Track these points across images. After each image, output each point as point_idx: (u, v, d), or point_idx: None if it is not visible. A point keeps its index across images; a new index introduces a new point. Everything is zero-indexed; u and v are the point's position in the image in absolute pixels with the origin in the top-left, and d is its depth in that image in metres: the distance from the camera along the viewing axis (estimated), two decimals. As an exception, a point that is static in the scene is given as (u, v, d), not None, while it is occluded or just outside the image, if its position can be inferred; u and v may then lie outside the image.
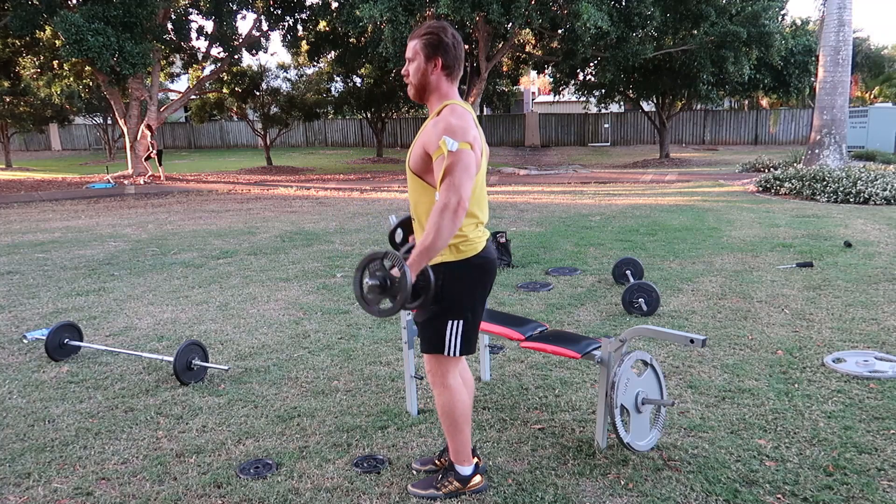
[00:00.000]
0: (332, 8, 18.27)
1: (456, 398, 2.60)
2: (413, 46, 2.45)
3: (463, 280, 2.49)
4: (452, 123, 2.33)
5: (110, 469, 2.96)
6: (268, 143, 23.89)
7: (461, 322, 2.51)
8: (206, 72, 21.59)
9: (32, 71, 21.53)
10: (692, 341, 2.81)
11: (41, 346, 4.43)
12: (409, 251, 2.54)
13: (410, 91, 2.50)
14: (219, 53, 20.52)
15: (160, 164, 18.07)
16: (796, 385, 3.68)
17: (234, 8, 19.15)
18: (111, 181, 17.37)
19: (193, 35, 20.03)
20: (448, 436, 2.70)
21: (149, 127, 18.18)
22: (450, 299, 2.49)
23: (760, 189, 12.67)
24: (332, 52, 22.00)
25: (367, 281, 2.40)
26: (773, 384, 3.69)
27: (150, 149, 18.08)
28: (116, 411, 3.55)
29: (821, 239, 7.73)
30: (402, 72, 2.51)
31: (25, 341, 4.69)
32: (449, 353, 2.55)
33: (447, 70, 2.44)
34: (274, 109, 23.28)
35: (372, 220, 10.32)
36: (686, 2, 16.79)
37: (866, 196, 10.64)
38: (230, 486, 2.79)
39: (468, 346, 2.57)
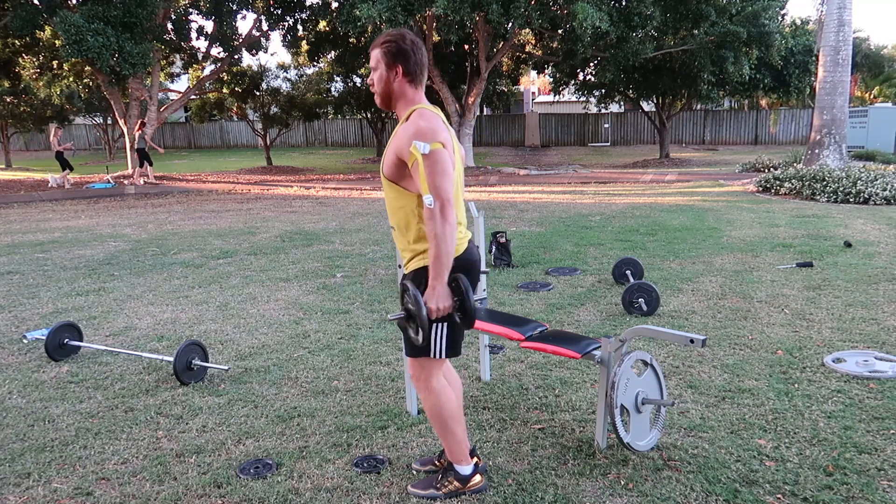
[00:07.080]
0: (332, 8, 18.28)
1: (442, 400, 2.61)
2: (375, 56, 2.45)
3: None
4: (421, 126, 2.33)
5: (110, 469, 2.96)
6: (268, 143, 23.90)
7: (446, 324, 2.52)
8: (206, 72, 21.60)
9: (32, 71, 21.54)
10: (692, 341, 2.81)
11: (41, 346, 4.43)
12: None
13: (377, 99, 2.51)
14: (219, 53, 20.53)
15: (65, 168, 17.21)
16: (796, 385, 3.68)
17: (234, 8, 19.16)
18: (111, 181, 17.37)
19: (193, 35, 20.06)
20: (440, 437, 2.70)
21: (59, 127, 18.04)
22: None
23: (760, 189, 12.67)
24: (332, 52, 22.02)
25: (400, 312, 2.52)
26: (773, 384, 3.69)
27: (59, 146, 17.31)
28: (116, 411, 3.55)
29: (821, 239, 7.73)
30: (368, 81, 2.51)
31: (25, 341, 4.69)
32: (434, 356, 2.55)
33: (409, 76, 2.44)
34: (274, 109, 23.29)
35: (372, 220, 10.31)
36: (686, 2, 16.80)
37: (866, 196, 10.64)
38: (230, 486, 2.79)
39: (454, 349, 2.58)
